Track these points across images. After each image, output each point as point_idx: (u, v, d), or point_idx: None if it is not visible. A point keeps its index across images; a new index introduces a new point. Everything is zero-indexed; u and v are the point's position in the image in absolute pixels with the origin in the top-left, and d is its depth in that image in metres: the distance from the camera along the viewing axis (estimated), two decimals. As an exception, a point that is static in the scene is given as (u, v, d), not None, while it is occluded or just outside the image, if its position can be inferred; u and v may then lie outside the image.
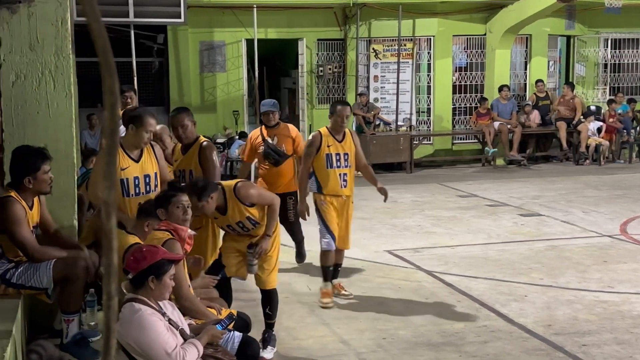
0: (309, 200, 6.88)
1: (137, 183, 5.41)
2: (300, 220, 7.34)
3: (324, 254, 6.69)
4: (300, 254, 7.91)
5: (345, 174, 6.67)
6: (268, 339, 5.47)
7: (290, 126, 7.85)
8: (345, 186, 6.66)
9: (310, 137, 6.85)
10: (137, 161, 5.43)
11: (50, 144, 5.25)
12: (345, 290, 6.88)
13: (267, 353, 5.39)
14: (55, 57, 5.41)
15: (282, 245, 7.50)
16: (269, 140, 7.47)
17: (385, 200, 6.92)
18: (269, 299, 5.50)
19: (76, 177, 5.89)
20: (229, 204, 5.21)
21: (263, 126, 7.64)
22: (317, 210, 6.68)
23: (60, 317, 5.16)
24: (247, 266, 5.38)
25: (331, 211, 6.62)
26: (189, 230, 4.76)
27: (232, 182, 5.34)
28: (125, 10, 12.89)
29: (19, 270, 4.97)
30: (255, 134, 7.73)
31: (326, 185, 6.63)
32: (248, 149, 7.79)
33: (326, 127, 6.76)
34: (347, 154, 6.69)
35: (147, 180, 5.46)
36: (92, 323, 5.52)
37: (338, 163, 6.65)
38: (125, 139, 5.46)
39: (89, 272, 5.00)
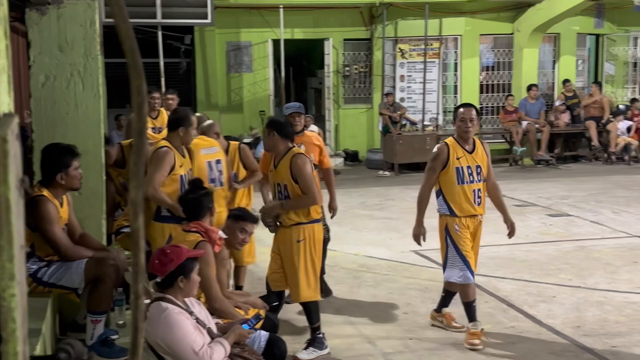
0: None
1: (185, 180, 5.81)
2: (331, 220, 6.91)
3: (463, 288, 5.73)
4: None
5: (479, 190, 5.70)
6: (311, 340, 5.48)
7: (316, 135, 6.95)
8: (479, 204, 5.72)
9: (435, 148, 5.85)
10: (184, 157, 5.83)
11: (79, 144, 5.30)
12: (455, 322, 5.92)
13: (304, 353, 5.38)
14: (84, 58, 5.46)
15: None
16: None
17: (510, 236, 6.02)
18: (305, 309, 5.54)
19: (104, 177, 5.95)
20: (282, 162, 5.38)
21: None
22: (448, 236, 5.71)
23: (86, 316, 5.20)
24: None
25: (467, 238, 5.68)
26: (220, 232, 4.79)
27: (297, 149, 5.47)
28: (152, 12, 13.00)
29: (51, 269, 5.03)
30: None
31: (459, 206, 5.66)
32: (264, 158, 6.29)
33: (452, 136, 5.84)
34: (479, 166, 5.71)
35: (190, 175, 5.87)
36: (120, 322, 5.57)
37: (471, 177, 5.68)
38: (174, 140, 5.71)
39: (119, 273, 5.04)
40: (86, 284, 5.03)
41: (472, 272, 5.66)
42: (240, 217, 5.01)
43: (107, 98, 6.19)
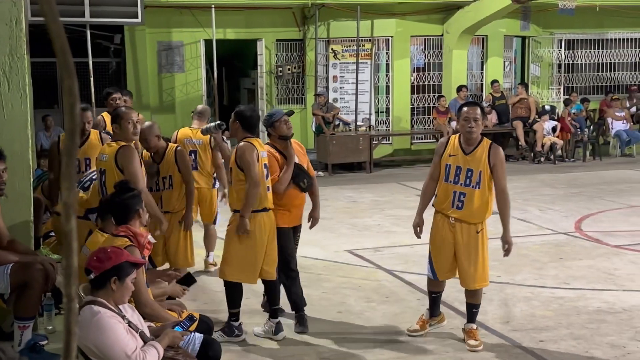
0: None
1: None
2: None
3: (428, 278, 5.92)
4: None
5: (462, 194, 5.44)
6: (224, 325, 5.68)
7: (299, 143, 6.35)
8: (460, 208, 5.46)
9: (439, 142, 5.77)
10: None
11: (6, 145, 5.16)
12: (474, 340, 5.55)
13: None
14: (9, 58, 5.32)
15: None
16: None
17: (505, 255, 5.75)
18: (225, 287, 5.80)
19: (32, 179, 5.80)
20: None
21: (273, 139, 5.94)
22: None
23: (13, 322, 5.06)
24: None
25: (438, 233, 5.62)
26: (149, 237, 4.72)
27: (247, 143, 5.57)
28: (81, 10, 12.72)
29: (-26, 275, 4.87)
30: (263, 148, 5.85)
31: (438, 199, 5.63)
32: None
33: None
34: (470, 170, 5.41)
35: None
36: (49, 327, 5.44)
37: (456, 178, 5.45)
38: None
39: (49, 278, 4.92)
40: (13, 290, 4.89)
41: (432, 271, 5.76)
42: None
43: (33, 98, 6.02)
